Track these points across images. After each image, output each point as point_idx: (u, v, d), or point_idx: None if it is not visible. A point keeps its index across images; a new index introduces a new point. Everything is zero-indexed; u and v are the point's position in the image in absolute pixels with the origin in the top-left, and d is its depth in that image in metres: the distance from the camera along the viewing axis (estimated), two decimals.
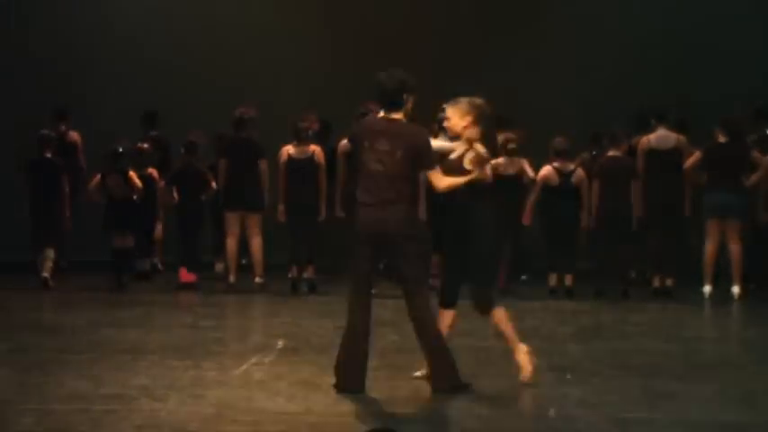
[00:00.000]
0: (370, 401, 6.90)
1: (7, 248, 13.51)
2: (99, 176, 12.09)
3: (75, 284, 12.30)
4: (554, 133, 12.02)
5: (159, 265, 13.17)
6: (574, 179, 11.83)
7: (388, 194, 7.09)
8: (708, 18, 14.40)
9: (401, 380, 7.49)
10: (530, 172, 11.87)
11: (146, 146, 12.68)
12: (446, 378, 7.10)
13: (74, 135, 13.56)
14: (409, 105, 7.28)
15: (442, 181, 7.25)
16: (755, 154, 11.84)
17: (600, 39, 14.46)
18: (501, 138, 12.12)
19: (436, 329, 7.20)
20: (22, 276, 12.49)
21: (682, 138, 11.94)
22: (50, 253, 12.05)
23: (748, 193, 11.81)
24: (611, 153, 11.91)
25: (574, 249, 12.02)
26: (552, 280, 11.89)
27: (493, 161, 11.88)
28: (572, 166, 11.90)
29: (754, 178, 11.79)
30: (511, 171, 11.85)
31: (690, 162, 11.73)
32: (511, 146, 11.81)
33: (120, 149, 12.12)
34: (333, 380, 7.20)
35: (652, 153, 11.86)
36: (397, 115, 7.23)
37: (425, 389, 7.19)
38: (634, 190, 11.78)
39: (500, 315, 7.44)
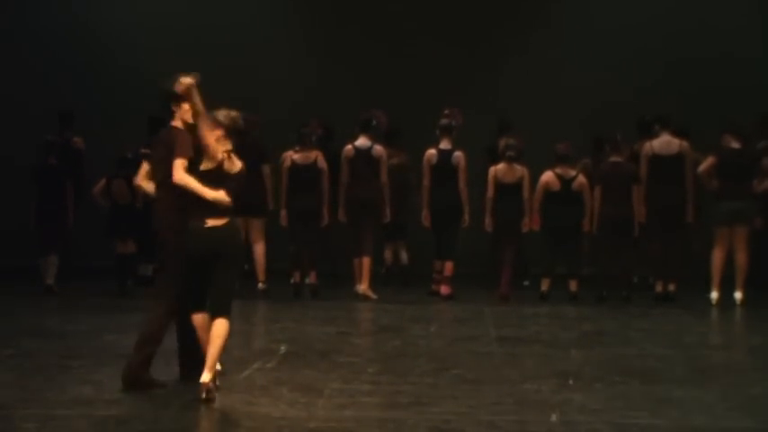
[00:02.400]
0: (372, 407, 6.90)
1: (10, 253, 13.55)
2: (105, 180, 12.12)
3: (78, 290, 12.31)
4: (556, 139, 12.03)
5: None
6: (575, 185, 11.84)
7: None
8: (710, 22, 14.42)
9: (403, 385, 7.49)
10: (526, 190, 11.84)
11: (147, 151, 12.68)
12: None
13: (78, 141, 13.59)
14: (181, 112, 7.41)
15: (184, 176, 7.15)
16: (765, 161, 11.83)
17: (603, 44, 14.49)
18: (501, 143, 12.16)
19: None
20: (26, 281, 12.51)
21: (685, 143, 11.93)
22: (54, 259, 12.08)
23: (757, 199, 11.80)
24: (612, 159, 11.91)
25: (577, 255, 12.02)
26: (544, 285, 11.89)
27: (493, 167, 12.01)
28: (573, 173, 11.90)
29: (767, 184, 11.76)
30: (510, 179, 11.86)
31: (704, 167, 11.67)
32: (509, 153, 11.82)
33: (130, 155, 12.17)
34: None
35: (655, 159, 11.86)
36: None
37: (428, 394, 7.20)
38: (635, 195, 11.79)
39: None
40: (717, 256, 11.69)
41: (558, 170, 11.86)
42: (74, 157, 13.22)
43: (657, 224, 11.89)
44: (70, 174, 12.39)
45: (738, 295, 11.61)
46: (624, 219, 11.76)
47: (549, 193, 11.84)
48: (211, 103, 14.71)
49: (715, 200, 11.68)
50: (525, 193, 11.87)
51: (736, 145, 11.64)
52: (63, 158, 12.51)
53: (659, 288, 11.92)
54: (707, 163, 11.68)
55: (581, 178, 11.89)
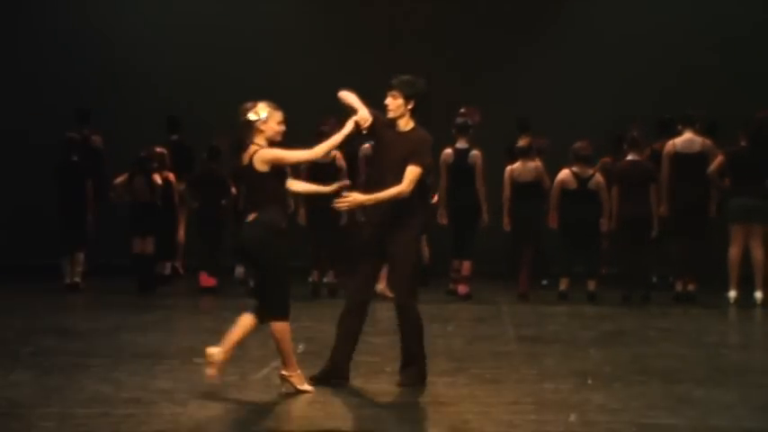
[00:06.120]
0: (390, 405, 6.89)
1: (31, 252, 13.59)
2: (127, 175, 12.21)
3: (98, 288, 12.34)
4: (576, 138, 11.99)
5: (180, 269, 13.22)
6: (592, 184, 11.80)
7: None
8: (730, 20, 14.35)
9: (421, 384, 7.46)
10: (546, 181, 11.85)
11: (159, 150, 12.74)
12: None
13: (97, 139, 13.64)
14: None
15: None
16: None
17: (623, 43, 14.44)
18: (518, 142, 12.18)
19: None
20: (45, 280, 12.54)
21: (708, 142, 11.86)
22: (80, 257, 12.16)
23: None
24: (630, 157, 11.87)
25: (596, 254, 11.98)
26: (563, 284, 11.86)
27: (509, 167, 12.00)
28: (591, 171, 11.87)
29: None
30: (527, 178, 11.84)
31: (713, 166, 11.65)
32: (522, 142, 11.83)
33: (143, 153, 12.24)
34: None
35: (678, 157, 11.80)
36: None
37: (446, 393, 7.18)
38: (653, 194, 11.73)
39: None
40: (733, 254, 11.64)
41: (576, 168, 11.83)
42: (93, 155, 13.27)
43: (681, 223, 11.82)
44: (91, 171, 12.45)
45: (759, 295, 11.55)
46: (642, 218, 11.71)
47: (565, 192, 11.81)
48: (227, 103, 14.76)
49: (728, 197, 11.64)
50: (546, 185, 11.87)
51: (746, 143, 11.58)
52: (82, 156, 12.56)
53: (679, 287, 11.87)
54: (716, 163, 11.63)
55: (598, 177, 11.85)
